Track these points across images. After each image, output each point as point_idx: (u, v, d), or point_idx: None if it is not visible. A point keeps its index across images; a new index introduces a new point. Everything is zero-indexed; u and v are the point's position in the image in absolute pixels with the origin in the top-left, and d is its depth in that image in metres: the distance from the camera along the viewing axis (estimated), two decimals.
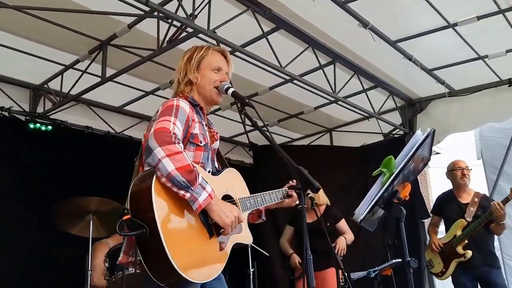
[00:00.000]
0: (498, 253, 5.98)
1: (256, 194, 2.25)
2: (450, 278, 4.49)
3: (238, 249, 2.15)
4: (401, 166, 2.15)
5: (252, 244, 4.87)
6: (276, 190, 2.36)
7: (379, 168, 2.27)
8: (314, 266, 4.84)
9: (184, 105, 2.04)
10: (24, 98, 5.08)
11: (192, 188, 1.80)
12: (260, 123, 2.04)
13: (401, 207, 2.44)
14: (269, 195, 2.30)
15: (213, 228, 1.92)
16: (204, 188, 1.84)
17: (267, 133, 2.16)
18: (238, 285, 5.36)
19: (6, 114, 4.85)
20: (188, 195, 1.80)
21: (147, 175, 1.84)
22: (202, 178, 1.86)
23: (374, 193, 2.23)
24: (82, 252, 4.02)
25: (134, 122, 5.93)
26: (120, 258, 1.99)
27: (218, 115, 6.05)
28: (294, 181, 2.47)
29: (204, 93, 2.21)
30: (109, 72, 4.44)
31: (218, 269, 1.93)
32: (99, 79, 4.51)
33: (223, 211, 1.88)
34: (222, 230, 1.91)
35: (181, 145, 1.88)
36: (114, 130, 5.84)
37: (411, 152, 2.18)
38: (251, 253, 4.84)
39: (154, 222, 1.71)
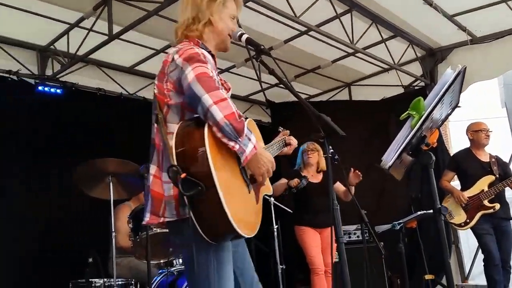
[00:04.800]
0: None
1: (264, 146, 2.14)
2: None
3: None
4: (432, 105, 1.99)
5: (276, 202, 4.79)
6: (274, 141, 2.33)
7: (407, 111, 2.11)
8: (319, 223, 4.72)
9: (206, 54, 1.84)
10: (32, 60, 4.93)
11: (240, 139, 1.67)
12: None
13: (430, 153, 2.31)
14: (271, 147, 2.25)
15: (249, 181, 1.83)
16: (249, 139, 1.71)
17: (285, 80, 1.99)
18: (263, 242, 5.32)
19: (15, 77, 4.73)
20: (237, 146, 1.67)
21: (193, 127, 1.69)
22: (246, 127, 1.71)
23: (402, 138, 2.08)
24: (105, 214, 3.91)
25: (147, 83, 5.75)
26: (147, 219, 1.79)
27: (233, 73, 5.86)
28: (282, 129, 2.57)
29: (219, 39, 1.99)
30: (116, 29, 4.27)
31: (258, 224, 1.85)
32: (106, 37, 4.34)
33: (263, 160, 1.76)
34: (255, 181, 1.81)
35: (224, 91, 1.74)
36: (127, 91, 5.71)
37: (442, 91, 2.01)
38: (274, 211, 4.76)
39: (211, 177, 1.58)
